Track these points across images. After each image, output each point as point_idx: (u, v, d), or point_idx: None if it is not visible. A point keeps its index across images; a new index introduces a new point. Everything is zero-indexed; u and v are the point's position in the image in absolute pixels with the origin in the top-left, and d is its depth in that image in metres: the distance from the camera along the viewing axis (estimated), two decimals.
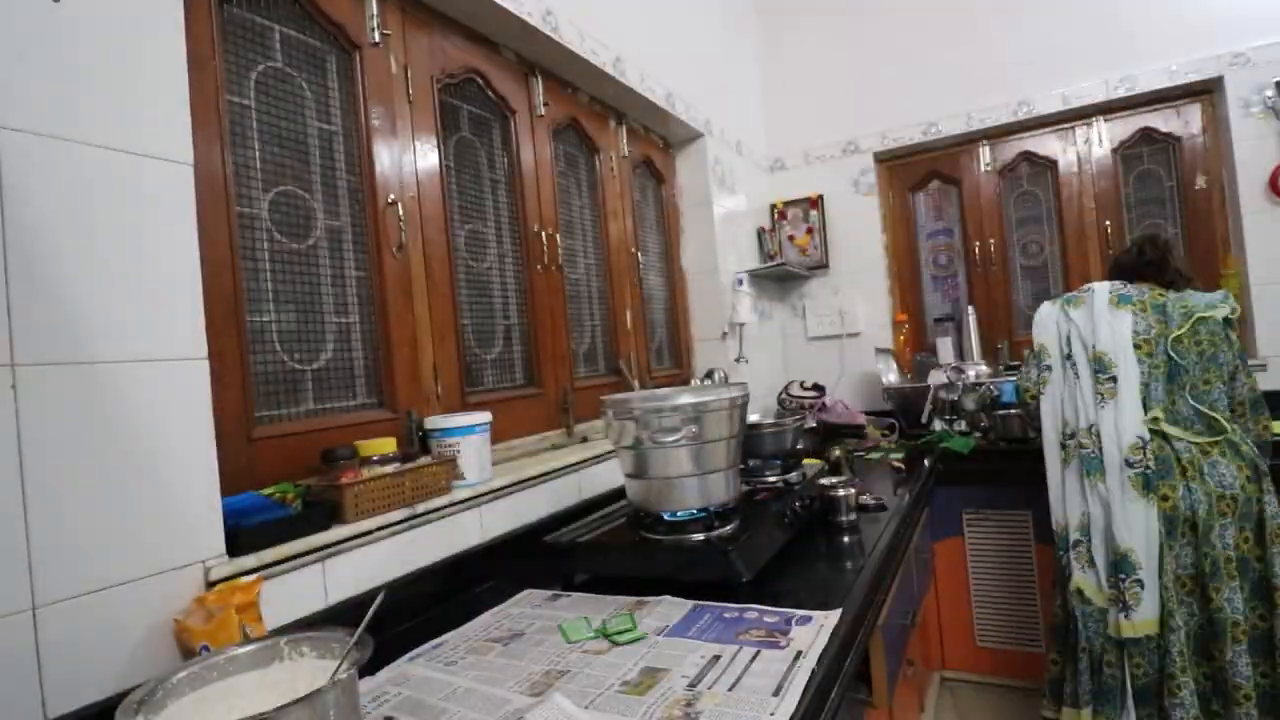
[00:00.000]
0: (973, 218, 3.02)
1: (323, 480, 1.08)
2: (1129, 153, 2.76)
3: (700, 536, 1.20)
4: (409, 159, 1.41)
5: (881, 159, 3.10)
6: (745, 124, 3.02)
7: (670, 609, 1.09)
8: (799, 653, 0.89)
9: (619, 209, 2.20)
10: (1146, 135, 2.71)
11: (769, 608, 1.05)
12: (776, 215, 3.14)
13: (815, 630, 0.96)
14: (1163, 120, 2.68)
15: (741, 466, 1.40)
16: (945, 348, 2.93)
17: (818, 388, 2.82)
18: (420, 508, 1.18)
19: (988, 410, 2.50)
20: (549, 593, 1.23)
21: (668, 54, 2.30)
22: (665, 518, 1.27)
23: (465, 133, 1.63)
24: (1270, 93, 2.36)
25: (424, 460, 1.24)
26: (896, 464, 2.14)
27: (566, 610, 1.13)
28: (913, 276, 3.17)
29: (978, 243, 3.00)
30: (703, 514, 1.24)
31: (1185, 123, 2.64)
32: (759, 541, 1.20)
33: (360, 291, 1.30)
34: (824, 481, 1.52)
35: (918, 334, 3.16)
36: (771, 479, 1.57)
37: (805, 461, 1.81)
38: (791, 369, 3.21)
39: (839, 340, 3.13)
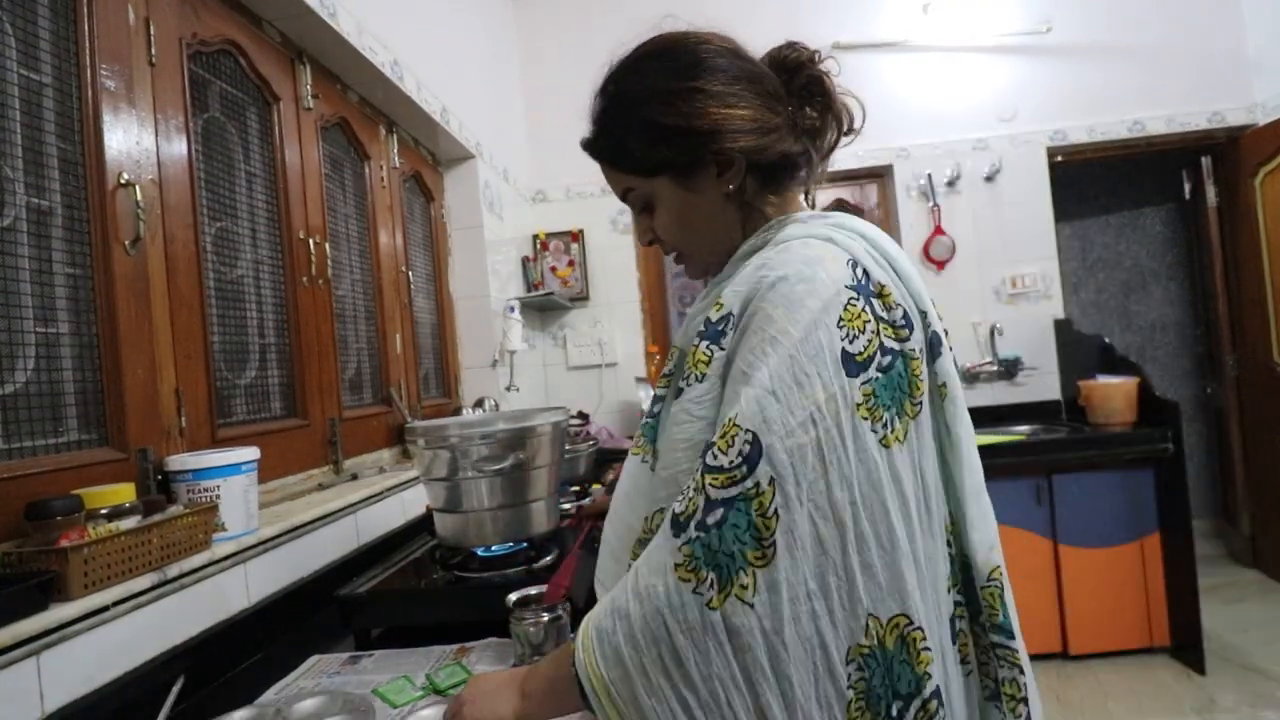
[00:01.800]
0: None
1: (30, 544, 0.79)
2: None
3: (522, 569, 1.13)
4: (149, 134, 1.13)
5: None
6: (511, 153, 3.01)
7: (501, 650, 1.01)
8: None
9: (389, 222, 2.02)
10: (840, 204, 3.32)
11: None
12: (539, 245, 3.17)
13: None
14: (850, 194, 3.32)
15: None
16: None
17: (582, 415, 2.88)
18: (172, 570, 0.93)
19: None
20: (343, 656, 1.05)
21: (443, 70, 2.21)
22: (479, 554, 1.18)
23: (216, 113, 1.36)
24: (923, 181, 3.08)
25: (175, 510, 0.98)
26: None
27: (375, 672, 0.98)
28: (662, 311, 3.43)
29: None
30: (524, 546, 1.17)
31: (867, 197, 3.30)
32: (582, 569, 1.17)
33: (77, 294, 0.99)
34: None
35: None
36: (567, 505, 1.55)
37: (593, 486, 1.83)
38: (553, 397, 3.23)
39: (598, 370, 3.24)
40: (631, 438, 2.85)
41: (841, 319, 0.59)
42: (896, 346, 0.61)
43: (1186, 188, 3.45)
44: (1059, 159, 3.11)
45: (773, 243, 0.68)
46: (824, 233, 0.66)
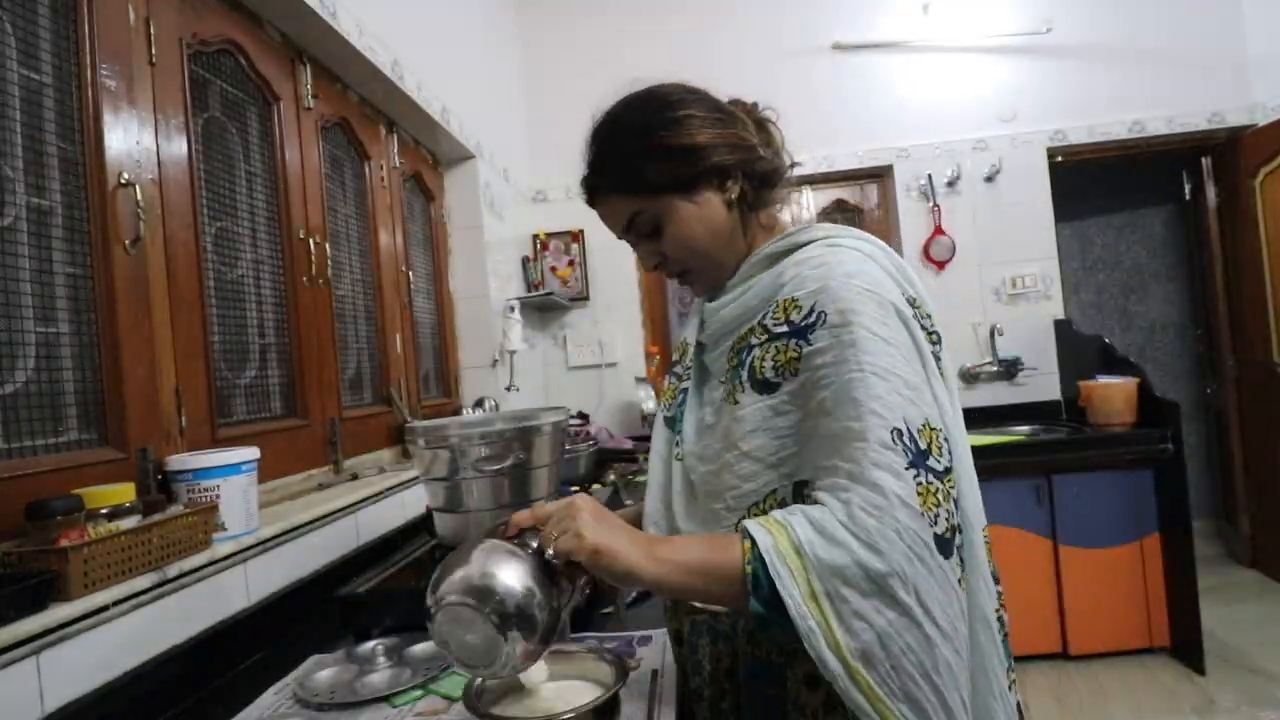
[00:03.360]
0: None
1: (30, 544, 0.79)
2: (828, 219, 3.35)
3: None
4: (149, 134, 1.13)
5: None
6: (511, 152, 3.01)
7: None
8: (655, 671, 0.88)
9: (389, 222, 2.02)
10: (839, 204, 3.32)
11: (605, 633, 1.03)
12: (539, 245, 3.17)
13: (661, 648, 0.96)
14: (850, 194, 3.32)
15: None
16: None
17: (582, 416, 2.88)
18: (172, 570, 0.93)
19: None
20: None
21: (443, 69, 2.20)
22: None
23: (217, 113, 1.36)
24: (923, 181, 3.08)
25: (175, 510, 0.98)
26: None
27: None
28: (662, 311, 3.43)
29: None
30: None
31: (867, 197, 3.30)
32: None
33: (76, 294, 0.99)
34: (629, 503, 1.55)
35: (667, 365, 3.41)
36: None
37: (592, 486, 1.83)
38: (553, 397, 3.23)
39: (598, 370, 3.24)
40: (634, 439, 2.85)
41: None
42: (932, 350, 0.72)
43: (1186, 188, 3.45)
44: (1059, 159, 3.11)
45: (818, 241, 0.75)
46: (854, 243, 0.75)
